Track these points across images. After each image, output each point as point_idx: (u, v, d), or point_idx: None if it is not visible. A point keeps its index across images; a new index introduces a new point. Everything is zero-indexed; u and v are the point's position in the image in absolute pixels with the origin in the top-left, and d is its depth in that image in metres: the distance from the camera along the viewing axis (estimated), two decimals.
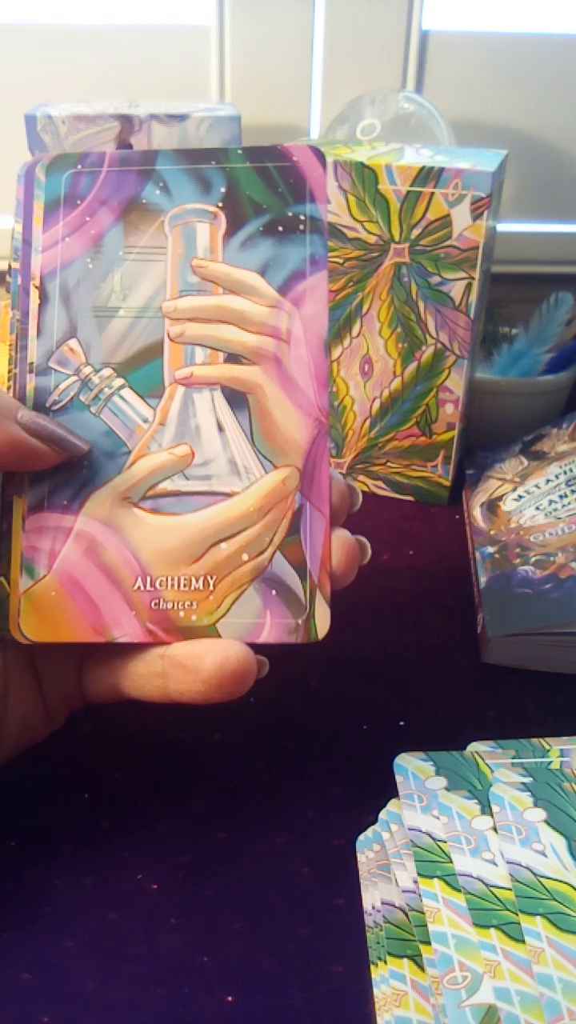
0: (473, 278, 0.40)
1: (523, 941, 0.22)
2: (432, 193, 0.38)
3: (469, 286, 0.40)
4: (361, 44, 0.56)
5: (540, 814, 0.25)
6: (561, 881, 0.23)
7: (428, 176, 0.38)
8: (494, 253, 0.46)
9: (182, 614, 0.24)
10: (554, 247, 0.63)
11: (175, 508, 0.24)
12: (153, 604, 0.24)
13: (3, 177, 0.54)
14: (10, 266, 0.25)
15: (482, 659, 0.34)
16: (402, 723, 0.31)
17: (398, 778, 0.26)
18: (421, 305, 0.41)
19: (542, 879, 0.23)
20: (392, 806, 0.26)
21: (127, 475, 0.24)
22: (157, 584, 0.24)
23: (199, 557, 0.24)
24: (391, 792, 0.26)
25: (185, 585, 0.24)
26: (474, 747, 0.28)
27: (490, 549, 0.38)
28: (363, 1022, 0.22)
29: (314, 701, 0.32)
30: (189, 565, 0.24)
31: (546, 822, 0.24)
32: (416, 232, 0.40)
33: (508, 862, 0.23)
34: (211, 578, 0.24)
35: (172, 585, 0.24)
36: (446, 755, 0.27)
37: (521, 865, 0.23)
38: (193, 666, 0.23)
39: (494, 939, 0.22)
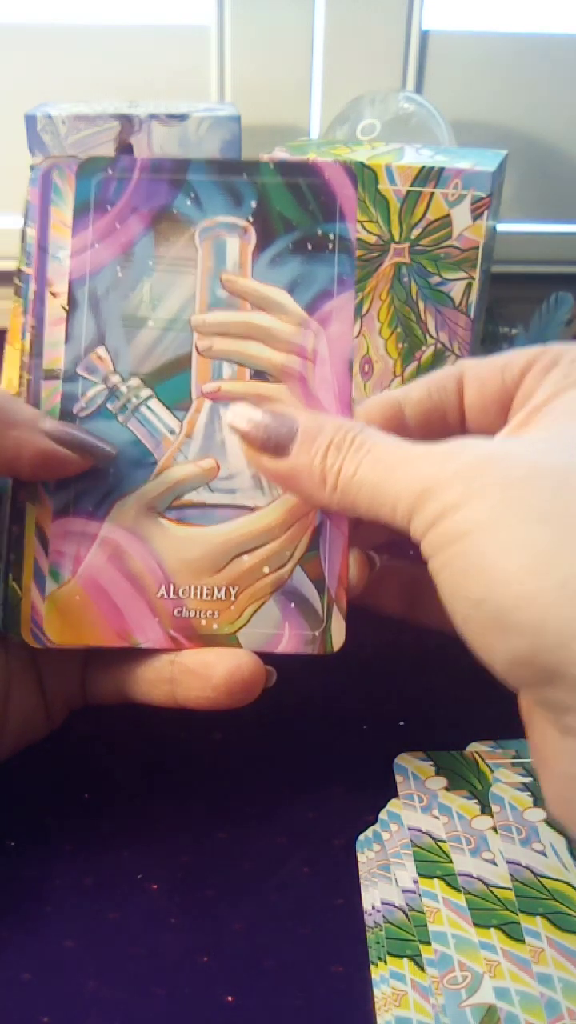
0: (473, 278, 0.40)
1: (523, 941, 0.22)
2: (432, 193, 0.38)
3: (469, 286, 0.40)
4: (361, 44, 0.56)
5: (540, 814, 0.25)
6: (561, 881, 0.23)
7: (428, 176, 0.38)
8: (494, 253, 0.46)
9: (204, 622, 0.24)
10: (554, 247, 0.63)
11: (199, 519, 0.24)
12: (176, 612, 0.24)
13: (3, 177, 0.54)
14: (21, 271, 0.25)
15: None
16: (402, 723, 0.31)
17: (398, 778, 0.26)
18: (421, 305, 0.41)
19: (542, 879, 0.23)
20: (392, 806, 0.26)
21: (153, 485, 0.24)
22: (180, 592, 0.24)
23: (222, 568, 0.24)
24: (391, 792, 0.26)
25: (208, 595, 0.24)
26: (474, 747, 0.28)
27: None
28: (363, 1022, 0.22)
29: (314, 701, 0.32)
30: (212, 575, 0.24)
31: (546, 822, 0.24)
32: (416, 232, 0.40)
33: (508, 862, 0.23)
34: (233, 588, 0.24)
35: (195, 594, 0.24)
36: (446, 755, 0.27)
37: (521, 865, 0.23)
38: (204, 673, 0.23)
39: (494, 939, 0.22)
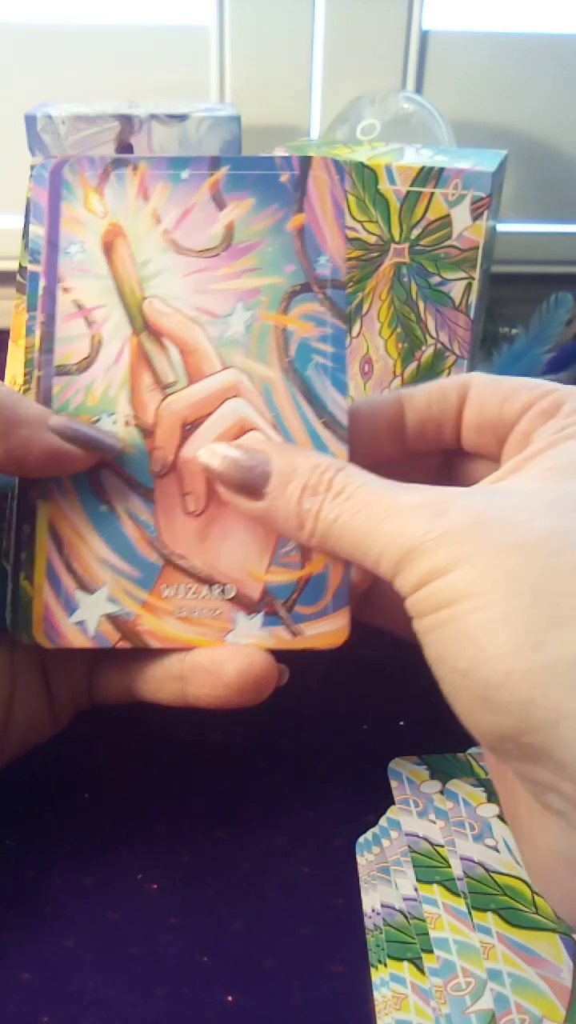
0: (473, 278, 0.40)
1: (521, 927, 0.22)
2: (432, 193, 0.39)
3: (469, 286, 0.40)
4: (361, 44, 0.56)
5: (493, 810, 0.25)
6: (513, 876, 0.23)
7: (428, 176, 0.38)
8: (494, 253, 0.46)
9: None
10: (554, 247, 0.63)
11: None
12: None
13: (3, 176, 0.54)
14: (24, 268, 0.25)
15: None
16: (402, 723, 0.31)
17: (393, 783, 0.26)
18: (421, 305, 0.41)
19: (494, 875, 0.23)
20: (392, 812, 0.26)
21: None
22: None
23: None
24: (390, 792, 0.26)
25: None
26: (473, 750, 0.28)
27: None
28: (363, 1021, 0.22)
29: (314, 701, 0.32)
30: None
31: (499, 817, 0.24)
32: (416, 232, 0.40)
33: (461, 858, 0.24)
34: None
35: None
36: (440, 758, 0.27)
37: (473, 861, 0.23)
38: (216, 671, 0.23)
39: (490, 922, 0.22)
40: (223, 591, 0.24)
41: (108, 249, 0.25)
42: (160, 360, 0.25)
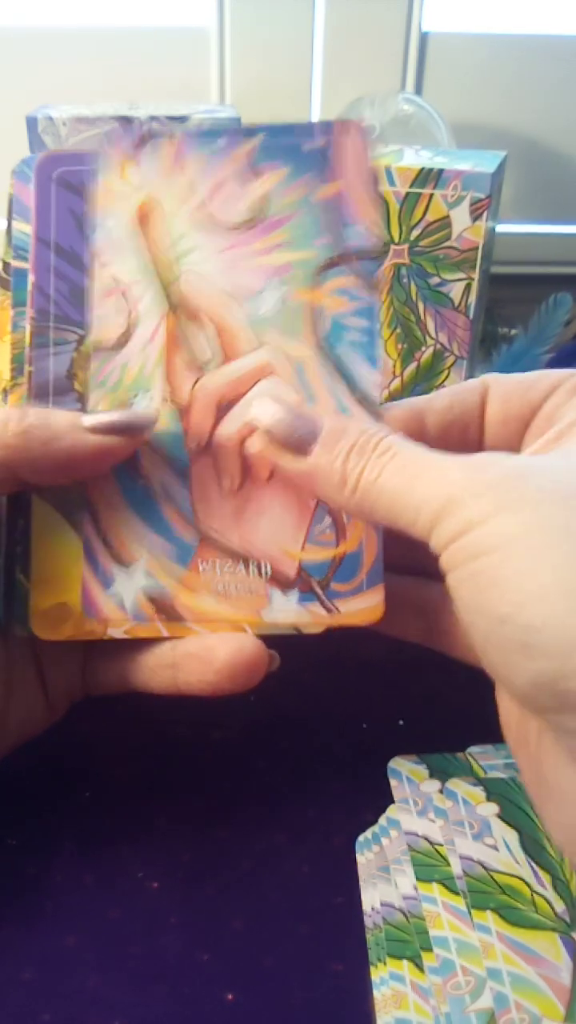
0: (472, 279, 0.40)
1: (520, 926, 0.22)
2: (431, 194, 0.39)
3: (468, 287, 0.40)
4: (361, 45, 0.56)
5: (492, 808, 0.25)
6: (512, 875, 0.23)
7: (427, 177, 0.38)
8: (493, 254, 0.47)
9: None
10: (553, 248, 0.63)
11: None
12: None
13: (3, 177, 0.54)
14: (7, 264, 0.25)
15: None
16: (402, 722, 0.31)
17: (392, 782, 0.26)
18: (421, 306, 0.41)
19: (493, 873, 0.23)
20: (391, 811, 0.26)
21: None
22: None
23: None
24: (389, 791, 0.27)
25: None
26: (472, 750, 0.28)
27: None
28: (363, 1019, 0.22)
29: (313, 700, 0.32)
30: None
31: (499, 816, 0.25)
32: (416, 233, 0.40)
33: (460, 857, 0.24)
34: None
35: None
36: (439, 757, 0.27)
37: (473, 860, 0.23)
38: (206, 657, 0.23)
39: (489, 920, 0.22)
40: (259, 568, 0.24)
41: (143, 223, 0.25)
42: (195, 338, 0.25)
